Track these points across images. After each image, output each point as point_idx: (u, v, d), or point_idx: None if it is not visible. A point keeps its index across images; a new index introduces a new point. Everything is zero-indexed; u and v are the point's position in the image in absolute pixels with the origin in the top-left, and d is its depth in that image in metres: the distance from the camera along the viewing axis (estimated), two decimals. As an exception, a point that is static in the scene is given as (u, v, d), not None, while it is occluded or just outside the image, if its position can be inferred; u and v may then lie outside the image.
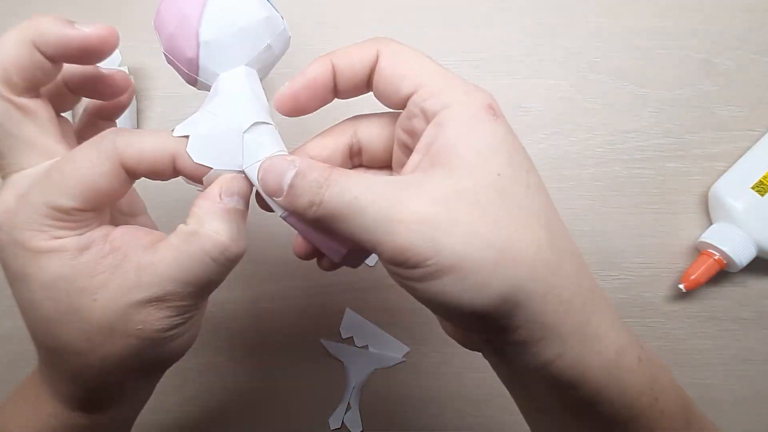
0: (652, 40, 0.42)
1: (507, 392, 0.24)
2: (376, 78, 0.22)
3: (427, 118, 0.20)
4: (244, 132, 0.21)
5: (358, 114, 0.24)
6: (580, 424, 0.21)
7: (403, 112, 0.21)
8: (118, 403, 0.23)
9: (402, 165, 0.22)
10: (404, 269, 0.18)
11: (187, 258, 0.20)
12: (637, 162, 0.41)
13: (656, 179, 0.41)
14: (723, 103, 0.41)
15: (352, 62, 0.21)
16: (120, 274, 0.19)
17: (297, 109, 0.22)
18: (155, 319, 0.20)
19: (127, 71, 0.39)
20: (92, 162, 0.20)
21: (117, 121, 0.40)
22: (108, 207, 0.22)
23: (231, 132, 0.21)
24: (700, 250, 0.39)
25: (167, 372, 0.26)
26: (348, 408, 0.40)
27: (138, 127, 0.41)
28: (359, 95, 0.23)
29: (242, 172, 0.22)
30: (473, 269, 0.17)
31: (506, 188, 0.19)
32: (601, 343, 0.19)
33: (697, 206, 0.41)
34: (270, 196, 0.21)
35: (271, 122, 0.22)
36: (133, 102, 0.40)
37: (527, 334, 0.19)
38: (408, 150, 0.22)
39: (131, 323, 0.19)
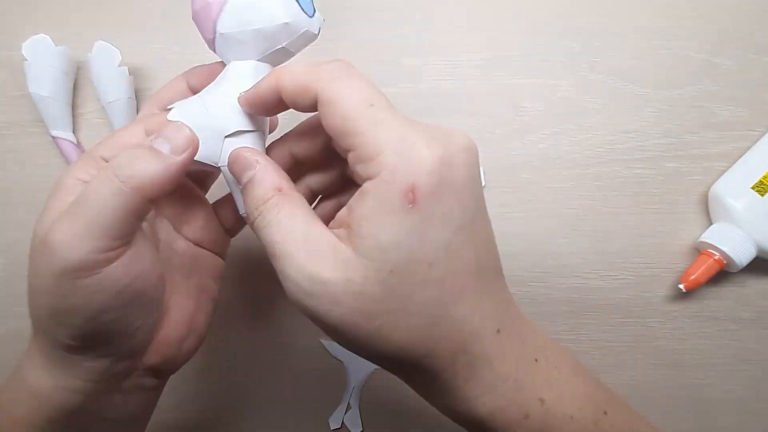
0: (652, 40, 0.42)
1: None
2: (321, 119, 0.21)
3: (361, 179, 0.20)
4: (226, 136, 0.23)
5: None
6: None
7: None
8: (102, 346, 0.23)
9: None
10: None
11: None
12: (637, 162, 0.41)
13: (656, 179, 0.41)
14: (723, 103, 0.41)
15: (294, 94, 0.22)
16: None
17: (259, 113, 0.24)
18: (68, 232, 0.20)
19: (127, 71, 0.39)
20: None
21: (117, 120, 0.41)
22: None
23: (215, 131, 0.23)
24: (700, 250, 0.39)
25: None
26: (348, 408, 0.40)
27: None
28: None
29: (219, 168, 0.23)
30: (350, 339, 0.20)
31: (394, 286, 0.19)
32: (475, 404, 0.22)
33: (697, 206, 0.41)
34: (235, 179, 0.23)
35: (258, 128, 0.23)
36: (134, 102, 0.40)
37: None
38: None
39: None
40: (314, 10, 0.24)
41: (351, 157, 0.20)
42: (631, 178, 0.41)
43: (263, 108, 0.23)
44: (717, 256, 0.38)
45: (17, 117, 0.41)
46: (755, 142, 0.40)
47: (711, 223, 0.39)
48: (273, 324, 0.41)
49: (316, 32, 0.24)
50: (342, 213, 0.21)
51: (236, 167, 0.23)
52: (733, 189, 0.38)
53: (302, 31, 0.23)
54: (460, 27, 0.42)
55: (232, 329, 0.41)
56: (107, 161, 0.23)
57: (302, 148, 0.26)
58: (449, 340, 0.20)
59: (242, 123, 0.23)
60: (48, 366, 0.23)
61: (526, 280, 0.40)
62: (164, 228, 0.27)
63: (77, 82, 0.41)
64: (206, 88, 0.24)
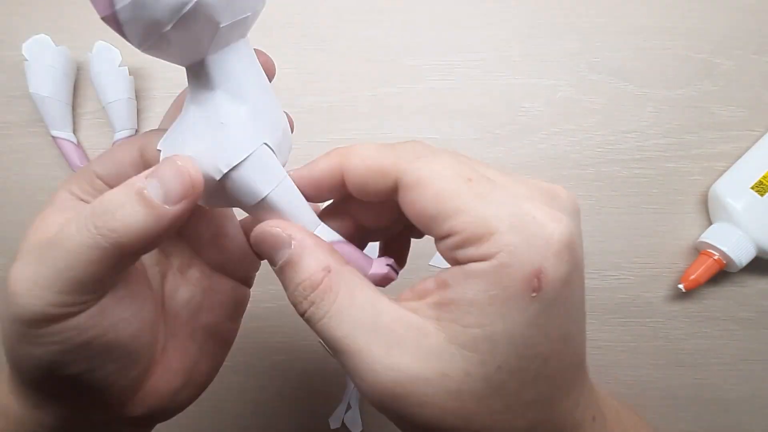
0: (652, 40, 0.42)
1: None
2: (402, 207, 0.18)
3: (458, 262, 0.17)
4: (229, 171, 0.18)
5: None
6: None
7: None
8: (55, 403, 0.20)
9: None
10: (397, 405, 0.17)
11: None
12: (637, 162, 0.41)
13: (656, 179, 0.41)
14: (723, 103, 0.41)
15: (366, 178, 0.18)
16: None
17: (313, 198, 0.21)
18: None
19: (127, 71, 0.39)
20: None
21: (117, 120, 0.41)
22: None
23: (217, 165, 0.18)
24: (699, 250, 0.39)
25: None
26: (348, 408, 0.40)
27: (138, 127, 0.41)
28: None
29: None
30: None
31: (501, 384, 0.16)
32: None
33: (697, 206, 0.41)
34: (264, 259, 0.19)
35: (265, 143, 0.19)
36: (134, 102, 0.40)
37: None
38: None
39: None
40: None
41: (451, 243, 0.17)
42: (631, 178, 0.41)
43: (317, 192, 0.20)
44: (717, 256, 0.38)
45: (17, 117, 0.41)
46: (755, 142, 0.40)
47: (711, 223, 0.39)
48: (273, 324, 0.41)
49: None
50: (427, 285, 0.18)
51: (264, 247, 0.18)
52: (732, 189, 0.38)
53: None
54: (460, 27, 0.42)
55: (232, 329, 0.41)
56: (101, 178, 0.20)
57: (371, 218, 0.21)
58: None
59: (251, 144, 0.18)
60: (17, 394, 0.20)
61: (526, 280, 0.40)
62: (179, 251, 0.23)
63: (77, 82, 0.41)
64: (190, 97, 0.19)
